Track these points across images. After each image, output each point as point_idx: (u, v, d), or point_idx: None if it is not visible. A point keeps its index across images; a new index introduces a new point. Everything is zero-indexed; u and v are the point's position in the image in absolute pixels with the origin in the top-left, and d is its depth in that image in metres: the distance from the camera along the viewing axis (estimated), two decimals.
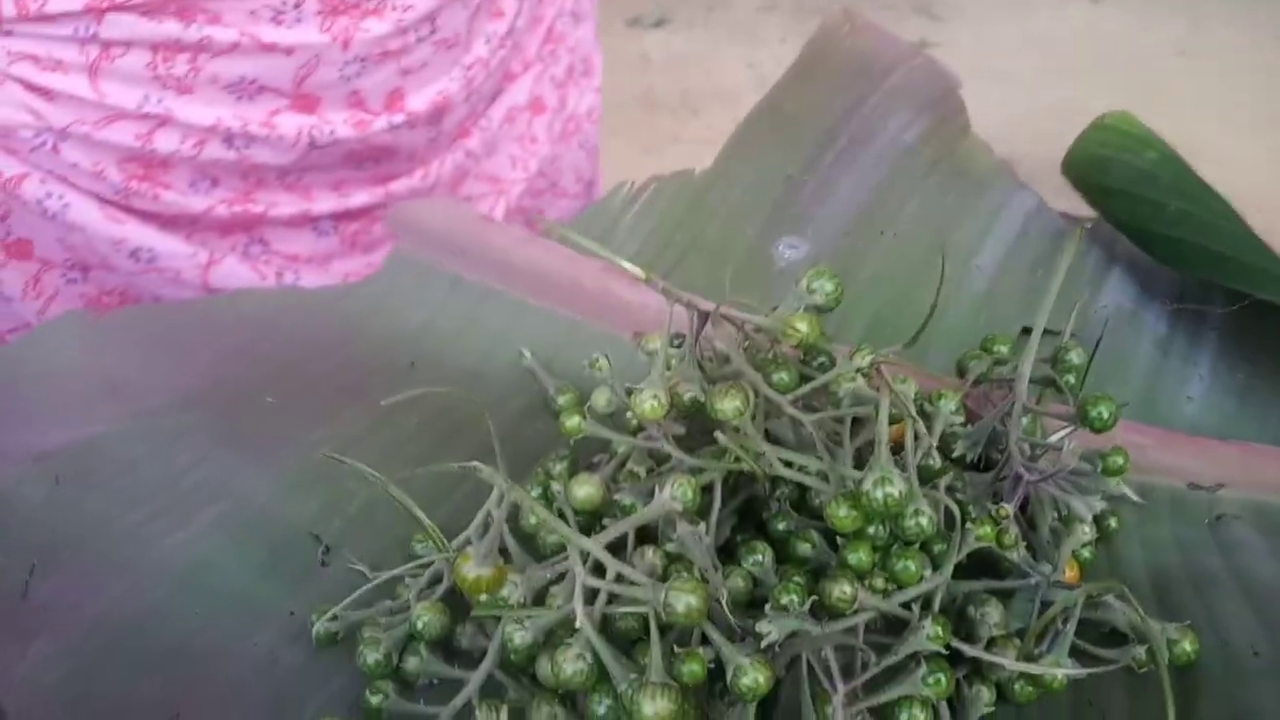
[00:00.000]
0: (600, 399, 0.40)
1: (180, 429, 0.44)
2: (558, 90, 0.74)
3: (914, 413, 0.32)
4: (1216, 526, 0.41)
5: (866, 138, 0.60)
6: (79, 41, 0.50)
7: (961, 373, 0.40)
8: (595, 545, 0.30)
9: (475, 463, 0.29)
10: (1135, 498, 0.41)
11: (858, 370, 0.34)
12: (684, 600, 0.28)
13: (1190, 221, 0.55)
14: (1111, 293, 0.55)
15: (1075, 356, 0.42)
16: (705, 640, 0.30)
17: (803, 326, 0.32)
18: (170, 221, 0.58)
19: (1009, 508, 0.33)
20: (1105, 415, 0.35)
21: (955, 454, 0.38)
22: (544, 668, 0.32)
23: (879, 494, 0.30)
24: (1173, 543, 0.40)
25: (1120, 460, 0.35)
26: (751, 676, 0.29)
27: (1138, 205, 0.57)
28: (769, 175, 0.58)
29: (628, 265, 0.31)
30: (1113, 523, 0.38)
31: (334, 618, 0.36)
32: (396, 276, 0.52)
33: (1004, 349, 0.41)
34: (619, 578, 0.30)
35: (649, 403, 0.32)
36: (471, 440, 0.44)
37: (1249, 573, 0.37)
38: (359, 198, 0.62)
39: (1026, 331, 0.46)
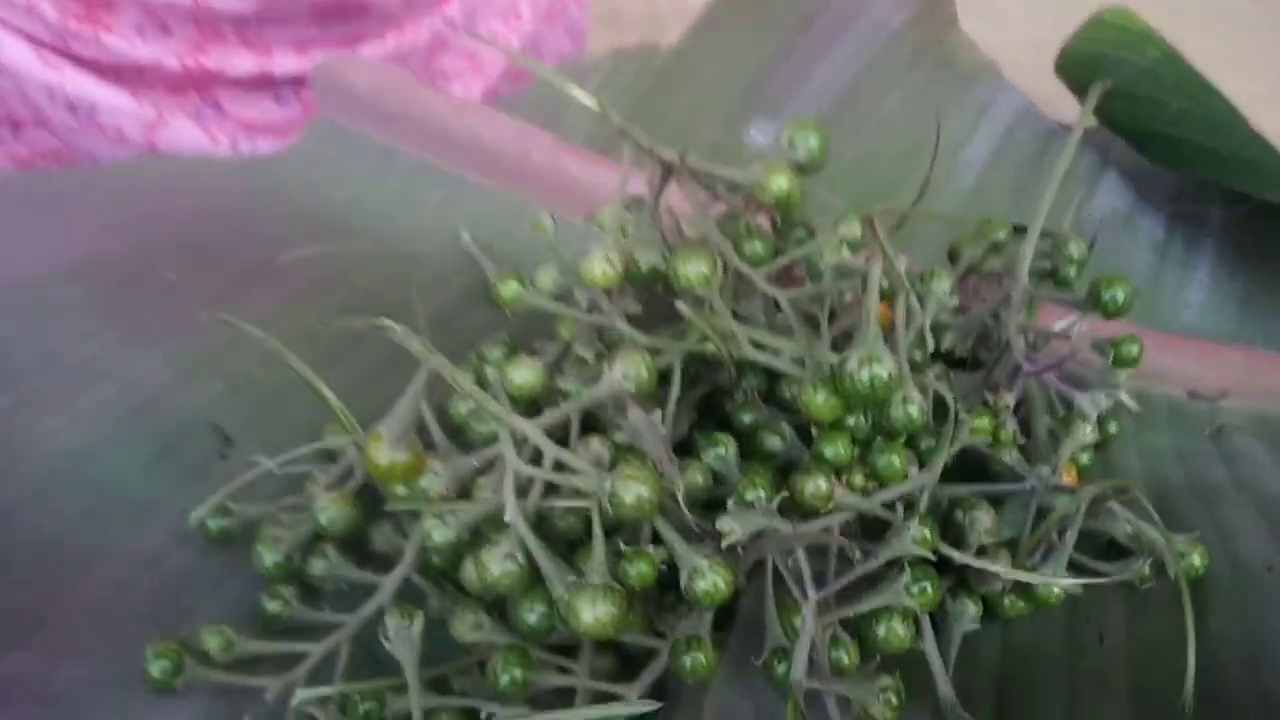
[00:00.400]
0: (546, 276, 0.35)
1: (60, 304, 0.38)
2: None
3: (908, 284, 0.27)
4: (1219, 438, 0.37)
5: (847, 21, 0.55)
6: None
7: (954, 259, 0.36)
8: (530, 426, 0.25)
9: (386, 320, 0.24)
10: (1133, 404, 0.37)
11: (843, 241, 0.29)
12: (634, 490, 0.24)
13: (1191, 120, 0.50)
14: (1106, 196, 0.51)
15: (1074, 250, 0.38)
16: (657, 540, 0.26)
17: (781, 181, 0.27)
18: (114, 72, 0.51)
19: (1009, 397, 0.29)
20: (1120, 298, 0.31)
21: (944, 347, 0.33)
22: (469, 571, 0.28)
23: (864, 375, 0.26)
24: (1173, 453, 0.36)
25: (1134, 349, 0.31)
26: (710, 580, 0.24)
27: (1136, 105, 0.53)
28: (741, 55, 0.53)
29: (581, 93, 0.26)
30: (1113, 427, 0.34)
31: (227, 513, 0.31)
32: (321, 146, 0.47)
33: (1002, 234, 0.36)
34: (557, 465, 0.25)
35: (599, 267, 0.27)
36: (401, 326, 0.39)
37: (1256, 485, 0.34)
38: (325, 58, 0.55)
39: (1019, 230, 0.41)
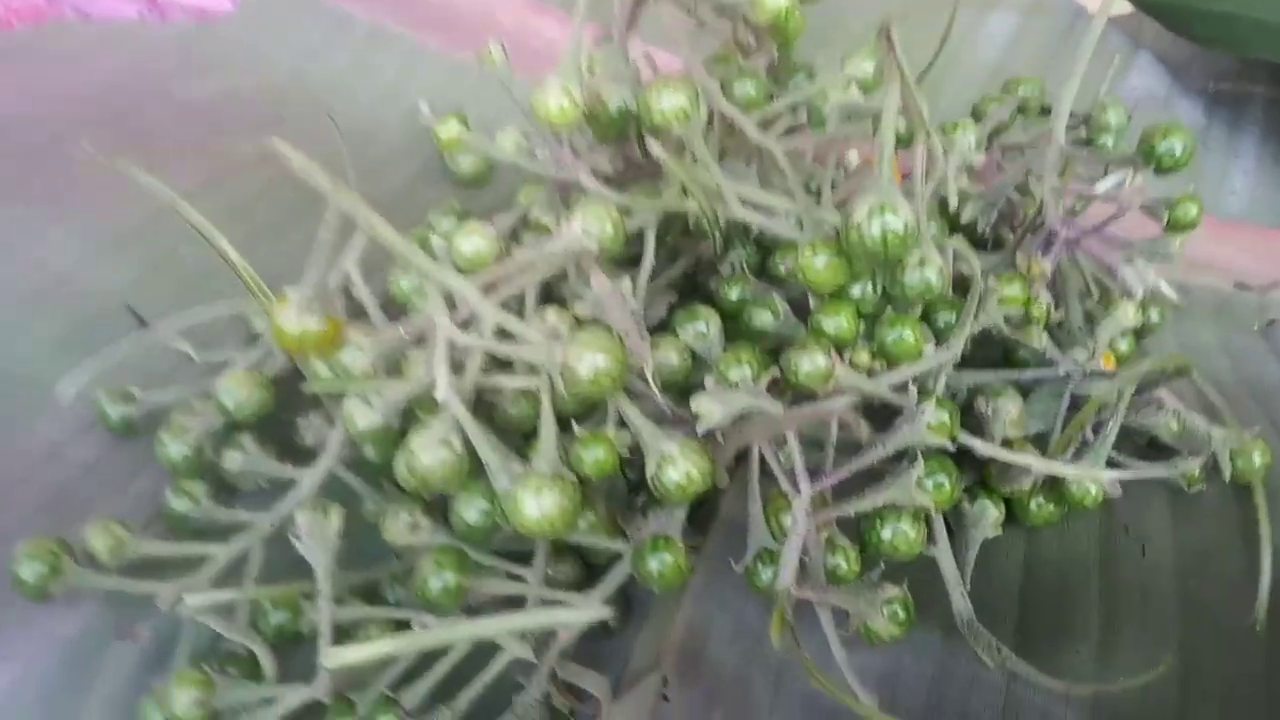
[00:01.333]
0: (506, 138, 0.30)
1: None
2: None
3: (928, 126, 0.22)
4: (1269, 332, 0.33)
5: None
6: None
7: (978, 118, 0.31)
8: (467, 284, 0.21)
9: (279, 143, 0.19)
10: (1172, 295, 0.33)
11: (850, 80, 0.24)
12: (589, 361, 0.19)
13: None
14: (1140, 78, 0.46)
15: (1113, 117, 0.33)
16: (623, 425, 0.22)
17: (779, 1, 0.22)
18: None
19: (1045, 263, 0.25)
20: (1179, 150, 0.26)
21: (965, 220, 0.29)
22: (401, 466, 0.24)
23: (875, 227, 0.21)
24: (1219, 348, 0.32)
25: (1194, 210, 0.26)
26: (682, 469, 0.20)
27: None
28: None
29: None
30: (1155, 314, 0.30)
31: (129, 398, 0.27)
32: (269, 9, 0.42)
33: (1031, 90, 0.31)
34: (501, 333, 0.21)
35: (556, 100, 0.23)
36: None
37: None
38: None
39: (1045, 111, 0.37)
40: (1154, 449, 0.27)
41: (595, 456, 0.20)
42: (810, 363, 0.22)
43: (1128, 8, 0.50)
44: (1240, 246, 0.35)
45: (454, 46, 0.40)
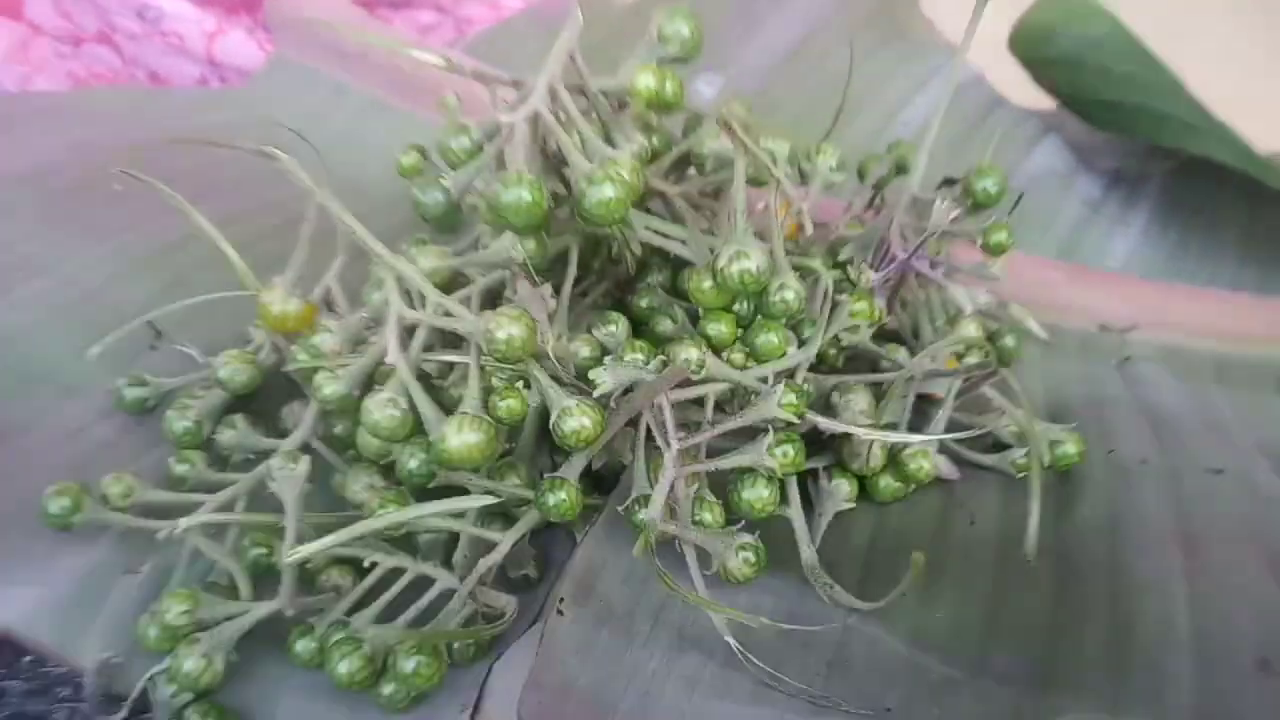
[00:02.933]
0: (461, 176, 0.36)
1: (7, 205, 0.40)
2: None
3: (778, 173, 0.28)
4: (1125, 366, 0.38)
5: None
6: None
7: (862, 176, 0.37)
8: (414, 270, 0.26)
9: (271, 149, 0.25)
10: (1040, 333, 0.38)
11: (719, 124, 0.30)
12: (506, 328, 0.25)
13: (1133, 85, 0.52)
14: (1045, 157, 0.52)
15: (991, 184, 0.39)
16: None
17: (648, 79, 0.29)
18: None
19: (871, 273, 0.30)
20: (992, 188, 0.32)
21: (841, 258, 0.35)
22: (364, 438, 0.29)
23: (735, 269, 0.27)
24: (1077, 377, 0.37)
25: (1003, 236, 0.32)
26: (578, 420, 0.25)
27: (1082, 73, 0.54)
28: (696, 11, 0.55)
29: (421, 53, 0.28)
30: (1010, 340, 0.35)
31: (143, 383, 0.33)
32: (277, 80, 0.48)
33: (908, 156, 0.38)
34: (440, 312, 0.26)
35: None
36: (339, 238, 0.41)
37: (1149, 399, 0.35)
38: None
39: (949, 182, 0.43)
40: (997, 448, 0.32)
41: (508, 404, 0.25)
42: (686, 354, 0.28)
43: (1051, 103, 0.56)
44: (1106, 293, 0.41)
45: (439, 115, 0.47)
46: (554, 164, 0.28)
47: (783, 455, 0.27)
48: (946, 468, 0.30)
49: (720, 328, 0.29)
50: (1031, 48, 0.59)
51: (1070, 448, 0.30)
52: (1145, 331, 0.39)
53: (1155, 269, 0.45)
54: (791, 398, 0.27)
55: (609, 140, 0.29)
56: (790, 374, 0.29)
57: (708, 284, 0.29)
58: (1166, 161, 0.49)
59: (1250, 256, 0.44)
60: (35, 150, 0.43)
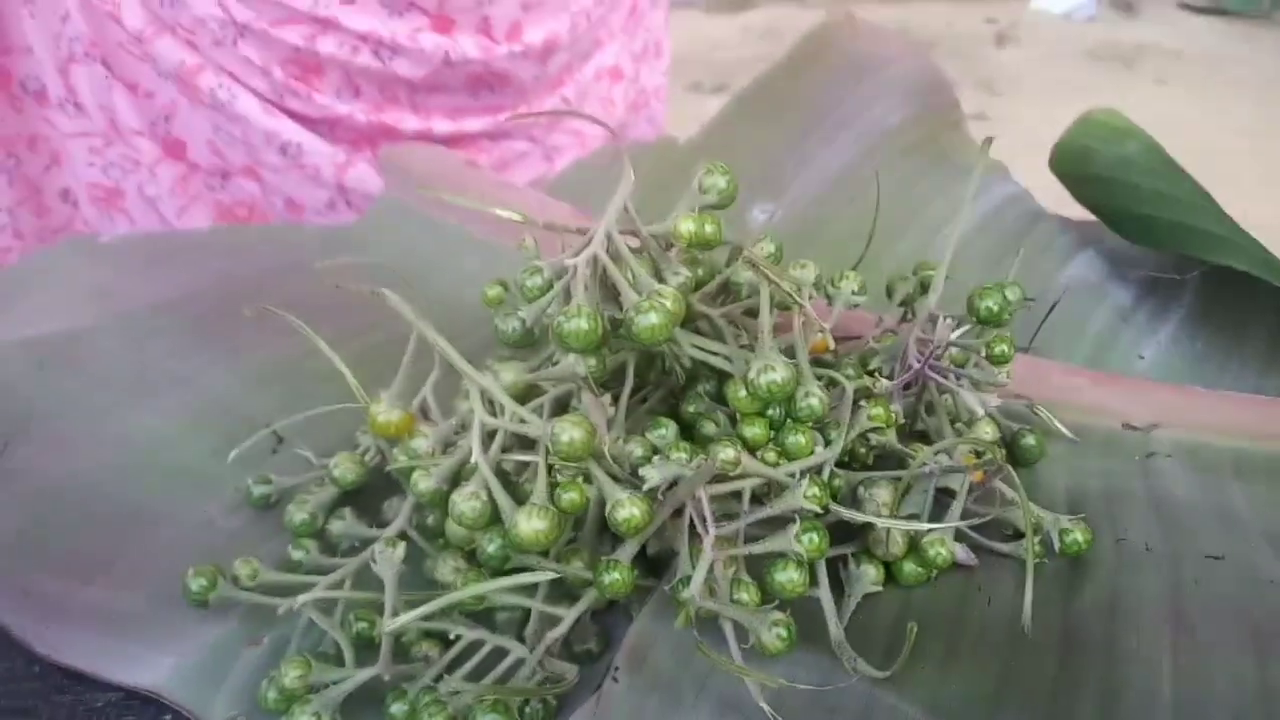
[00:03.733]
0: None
1: (156, 328, 0.47)
2: (634, 63, 0.81)
3: (798, 298, 0.33)
4: (1146, 461, 0.41)
5: (851, 119, 0.62)
6: None
7: (890, 294, 0.41)
8: (493, 384, 0.31)
9: (385, 290, 0.31)
10: (1064, 433, 0.41)
11: (744, 260, 0.35)
12: (568, 433, 0.30)
13: (1161, 199, 0.56)
14: (1079, 269, 0.56)
15: (993, 303, 0.42)
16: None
17: (689, 225, 0.34)
18: (316, 123, 0.65)
19: (886, 383, 0.34)
20: (993, 306, 0.36)
21: (870, 368, 0.39)
22: (452, 528, 0.34)
23: (763, 381, 0.32)
24: (1098, 472, 0.40)
25: (1004, 348, 0.36)
26: (628, 510, 0.30)
27: (1114, 188, 0.58)
28: (753, 148, 0.61)
29: (501, 211, 0.34)
30: (1030, 440, 0.39)
31: (268, 481, 0.38)
32: (385, 217, 0.55)
33: (931, 272, 0.42)
34: (515, 419, 0.31)
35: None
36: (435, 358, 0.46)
37: (1164, 492, 0.38)
38: (472, 124, 0.68)
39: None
40: (1017, 536, 0.35)
41: (569, 497, 0.30)
42: (725, 454, 0.32)
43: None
44: (1129, 394, 0.44)
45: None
46: (612, 295, 0.33)
47: (808, 542, 0.31)
48: (963, 555, 0.34)
49: (755, 430, 0.34)
50: (1070, 165, 0.63)
51: (1078, 535, 0.34)
52: (1167, 430, 0.42)
53: (1180, 375, 0.48)
54: (815, 490, 0.31)
55: (659, 275, 0.34)
56: (817, 470, 0.33)
57: (742, 393, 0.33)
58: (1194, 272, 0.52)
59: (1275, 365, 0.47)
60: (179, 281, 0.51)
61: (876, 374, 0.36)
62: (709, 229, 0.33)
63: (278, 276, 0.52)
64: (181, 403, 0.44)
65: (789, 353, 0.34)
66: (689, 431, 0.36)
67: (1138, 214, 0.56)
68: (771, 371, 0.32)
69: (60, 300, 0.48)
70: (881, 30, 0.70)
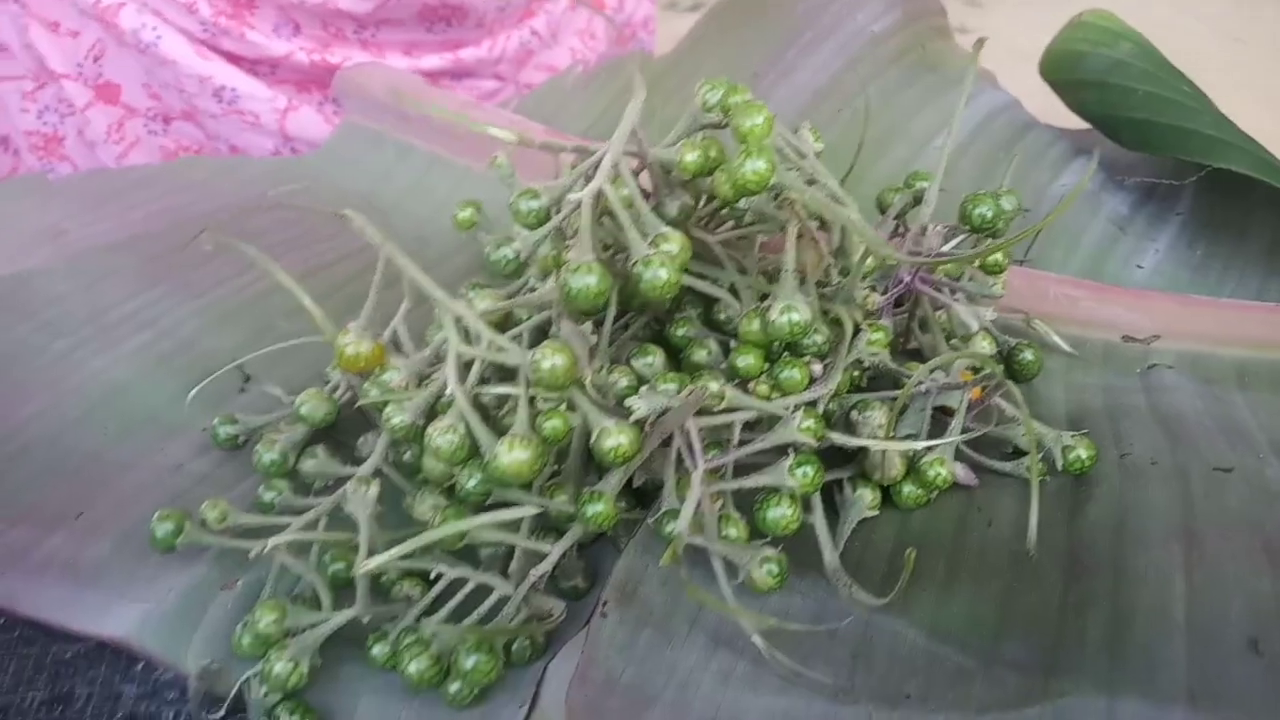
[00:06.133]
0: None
1: (111, 269, 0.45)
2: None
3: (813, 230, 0.31)
4: (1148, 374, 0.40)
5: (833, 28, 0.60)
6: None
7: (883, 208, 0.39)
8: (469, 310, 0.29)
9: (348, 211, 0.29)
10: (1063, 346, 0.40)
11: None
12: (549, 360, 0.28)
13: (1158, 103, 0.53)
14: (1071, 175, 0.54)
15: (987, 210, 0.40)
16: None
17: (693, 155, 0.32)
18: (253, 65, 0.60)
19: (878, 298, 0.33)
20: (988, 213, 0.34)
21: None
22: (429, 464, 0.32)
23: (784, 320, 0.30)
24: (1098, 387, 0.39)
25: (998, 257, 0.34)
26: (615, 439, 0.28)
27: (1109, 93, 0.56)
28: (730, 61, 0.58)
29: (496, 131, 0.31)
30: (1028, 354, 0.37)
31: (234, 421, 0.36)
32: (346, 144, 0.53)
33: (925, 184, 0.40)
34: (493, 347, 0.30)
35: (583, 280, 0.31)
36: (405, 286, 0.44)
37: (1168, 406, 0.36)
38: (429, 61, 0.64)
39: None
40: (1016, 454, 0.34)
41: (552, 424, 0.28)
42: (711, 386, 0.30)
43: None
44: (1128, 306, 0.42)
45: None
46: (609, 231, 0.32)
47: (802, 476, 0.29)
48: (964, 474, 0.33)
49: (749, 360, 0.32)
50: (1060, 71, 0.61)
51: (1082, 452, 0.32)
52: (1168, 341, 0.41)
53: (1180, 284, 0.46)
54: (810, 423, 0.30)
55: (660, 207, 0.32)
56: (811, 402, 0.31)
57: (757, 324, 0.32)
58: (1193, 177, 0.50)
59: (1276, 270, 0.45)
60: (133, 219, 0.48)
61: (870, 290, 0.35)
62: (713, 154, 0.31)
63: (236, 211, 0.49)
64: (141, 344, 0.41)
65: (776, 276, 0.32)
66: (676, 357, 0.34)
67: (1132, 118, 0.54)
68: (793, 312, 0.30)
69: (9, 242, 0.46)
70: None
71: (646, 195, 0.33)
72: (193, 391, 0.36)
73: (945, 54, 0.62)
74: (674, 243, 0.29)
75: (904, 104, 0.57)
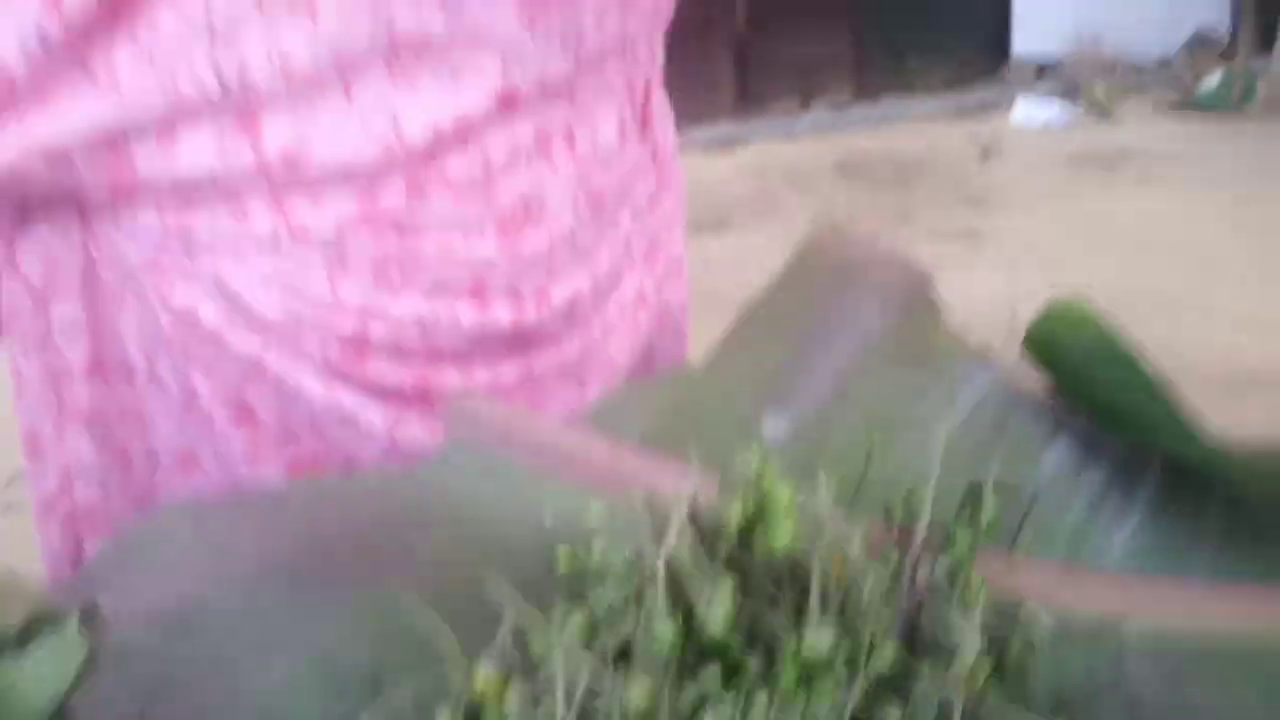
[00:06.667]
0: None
1: (264, 587, 0.55)
2: (656, 286, 0.89)
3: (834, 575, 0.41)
4: (1119, 652, 0.48)
5: (842, 327, 0.71)
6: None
7: (888, 519, 0.49)
8: (574, 645, 0.39)
9: (493, 578, 0.39)
10: (1047, 629, 0.48)
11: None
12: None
13: (1120, 388, 0.63)
14: (1055, 455, 0.63)
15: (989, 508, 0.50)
16: None
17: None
18: (368, 388, 0.72)
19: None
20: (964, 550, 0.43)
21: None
22: None
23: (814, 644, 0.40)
24: (1077, 666, 0.47)
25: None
26: None
27: (1080, 379, 0.66)
28: (757, 366, 0.69)
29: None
30: (1019, 647, 0.46)
31: None
32: (454, 462, 0.63)
33: (918, 502, 0.49)
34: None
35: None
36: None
37: (1134, 687, 0.45)
38: (508, 373, 0.76)
39: (973, 487, 0.54)
40: None
41: None
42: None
43: None
44: (1102, 592, 0.51)
45: (587, 485, 0.60)
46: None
47: None
48: None
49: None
50: (1039, 352, 0.71)
51: None
52: (1140, 620, 0.49)
53: (1149, 565, 0.55)
54: None
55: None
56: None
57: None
58: (1155, 460, 0.59)
59: (1227, 552, 0.54)
60: (278, 537, 0.59)
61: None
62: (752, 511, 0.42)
63: (352, 530, 0.60)
64: (284, 645, 0.51)
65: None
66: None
67: (1103, 403, 0.64)
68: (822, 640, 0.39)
69: (173, 566, 0.56)
70: (864, 238, 0.79)
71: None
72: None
73: (940, 340, 0.73)
74: (727, 591, 0.39)
75: (906, 394, 0.67)
